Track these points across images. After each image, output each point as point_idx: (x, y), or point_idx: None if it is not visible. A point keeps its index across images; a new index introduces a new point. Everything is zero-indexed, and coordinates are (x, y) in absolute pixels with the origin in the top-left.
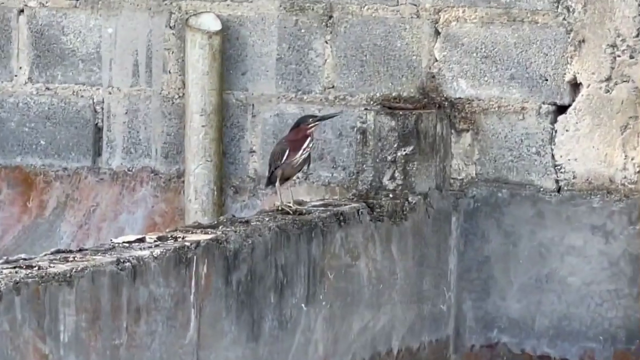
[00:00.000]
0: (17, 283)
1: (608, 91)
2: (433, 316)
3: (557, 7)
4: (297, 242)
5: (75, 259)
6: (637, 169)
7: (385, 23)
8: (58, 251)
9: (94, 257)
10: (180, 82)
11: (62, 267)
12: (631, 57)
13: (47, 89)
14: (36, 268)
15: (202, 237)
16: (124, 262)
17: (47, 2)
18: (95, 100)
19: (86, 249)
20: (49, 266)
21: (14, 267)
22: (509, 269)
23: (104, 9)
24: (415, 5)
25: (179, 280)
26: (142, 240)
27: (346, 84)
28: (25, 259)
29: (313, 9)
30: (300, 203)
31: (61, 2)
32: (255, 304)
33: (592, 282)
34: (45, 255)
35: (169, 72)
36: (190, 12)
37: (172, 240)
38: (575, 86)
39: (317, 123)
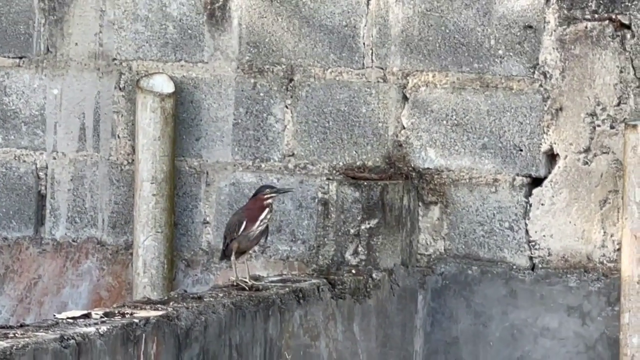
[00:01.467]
0: None
1: (587, 163)
2: None
3: (534, 72)
4: (253, 320)
5: (16, 335)
6: (617, 247)
7: (349, 87)
8: None
9: (36, 333)
10: (129, 148)
11: (1, 344)
12: (612, 127)
13: None
14: None
15: (151, 313)
16: (68, 339)
17: None
18: (38, 166)
19: (27, 325)
20: None
21: None
22: (478, 352)
23: (49, 68)
24: (382, 68)
25: (126, 359)
26: (87, 316)
27: (307, 151)
28: None
29: (273, 72)
30: (256, 278)
31: (3, 61)
32: None
33: None
34: None
35: (118, 136)
36: (141, 72)
37: (120, 317)
38: (551, 157)
39: (273, 195)
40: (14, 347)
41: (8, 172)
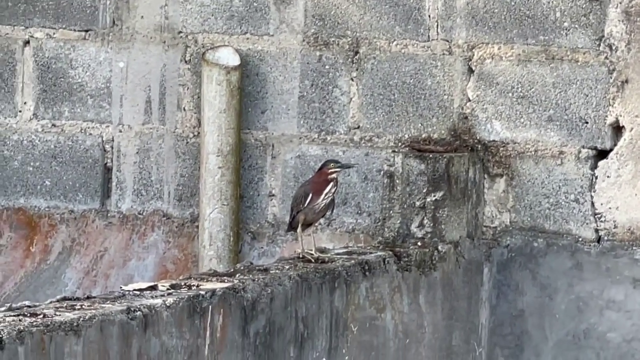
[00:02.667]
0: (21, 332)
1: None
2: None
3: (599, 45)
4: (319, 292)
5: (83, 307)
6: None
7: (415, 60)
8: (64, 298)
9: (103, 305)
10: (195, 120)
11: (68, 316)
12: None
13: (54, 125)
14: (41, 316)
15: (217, 285)
16: (134, 311)
17: (54, 34)
18: (104, 139)
19: (94, 297)
20: (55, 314)
21: (18, 315)
22: (544, 324)
23: (115, 41)
24: (447, 41)
25: (192, 331)
26: (154, 288)
27: (373, 124)
28: (29, 307)
29: (338, 44)
30: (322, 250)
31: (70, 34)
32: (274, 358)
33: (633, 338)
34: (50, 302)
35: (184, 109)
36: (207, 45)
37: (186, 289)
38: (617, 129)
39: (337, 170)
40: (81, 319)
41: (74, 145)
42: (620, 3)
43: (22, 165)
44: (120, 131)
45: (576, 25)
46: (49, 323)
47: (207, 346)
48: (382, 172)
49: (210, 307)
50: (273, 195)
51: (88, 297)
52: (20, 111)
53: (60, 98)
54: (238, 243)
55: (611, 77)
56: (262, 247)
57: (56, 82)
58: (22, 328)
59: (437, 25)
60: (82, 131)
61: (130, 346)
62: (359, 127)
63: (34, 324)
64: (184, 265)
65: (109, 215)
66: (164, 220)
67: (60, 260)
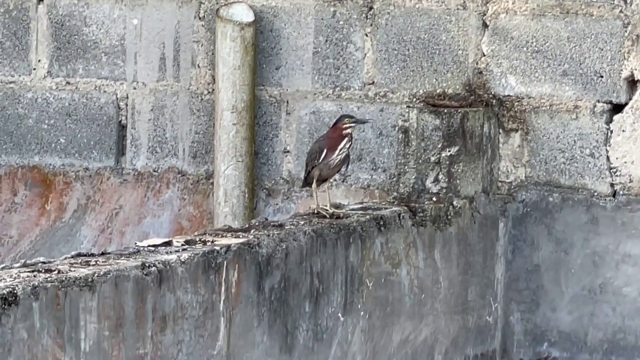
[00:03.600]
0: (36, 288)
1: None
2: (478, 328)
3: None
4: (334, 247)
5: (98, 263)
6: None
7: (429, 15)
8: (79, 255)
9: (118, 261)
10: (209, 77)
11: (83, 272)
12: None
13: (68, 83)
14: (56, 272)
15: (232, 241)
16: (149, 266)
17: None
18: (118, 96)
19: (109, 253)
20: (70, 270)
21: (32, 271)
22: (560, 279)
23: None
24: None
25: (207, 287)
26: (168, 243)
27: (387, 79)
28: (44, 263)
29: (352, 0)
30: (337, 206)
31: None
32: (289, 313)
33: None
34: (65, 258)
35: (198, 66)
36: (221, 2)
37: (201, 245)
38: (632, 83)
39: (352, 125)
40: (96, 274)
41: (89, 103)
42: None
43: (37, 123)
44: (135, 88)
45: None
46: (64, 279)
47: (222, 302)
48: (396, 128)
49: (225, 262)
50: (288, 151)
51: (102, 253)
52: (34, 69)
53: (74, 55)
54: (253, 200)
55: (626, 31)
56: (277, 204)
57: (70, 39)
58: (36, 284)
59: None
60: (97, 89)
61: (145, 301)
62: (373, 82)
63: (49, 279)
64: (199, 222)
65: (123, 172)
66: (179, 178)
67: (76, 218)
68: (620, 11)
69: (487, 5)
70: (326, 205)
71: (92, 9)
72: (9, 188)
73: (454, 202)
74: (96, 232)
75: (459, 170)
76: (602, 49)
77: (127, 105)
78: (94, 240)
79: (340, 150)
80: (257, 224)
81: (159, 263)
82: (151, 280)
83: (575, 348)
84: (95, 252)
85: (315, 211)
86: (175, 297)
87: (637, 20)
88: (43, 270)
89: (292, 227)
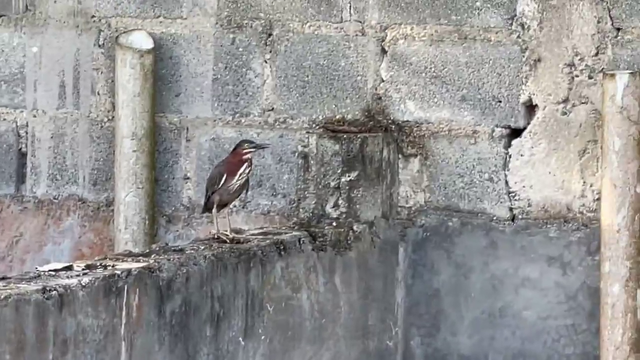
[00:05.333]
0: None
1: (565, 113)
2: (379, 352)
3: (512, 24)
4: (235, 271)
5: None
6: (596, 196)
7: (328, 41)
8: None
9: (18, 285)
10: (109, 104)
11: None
12: (590, 77)
13: None
14: None
15: (133, 265)
16: (50, 290)
17: None
18: (18, 124)
19: (9, 277)
20: None
21: None
22: (459, 303)
23: (28, 26)
24: (360, 22)
25: (108, 311)
26: (69, 268)
27: (287, 105)
28: None
29: (251, 26)
30: (237, 231)
31: None
32: (190, 337)
33: (548, 316)
34: None
35: (98, 93)
36: (120, 29)
37: (102, 269)
38: (530, 108)
39: (252, 150)
40: None
41: None
42: None
43: None
44: (35, 116)
45: (488, 5)
46: None
47: (123, 325)
48: (296, 154)
49: (126, 286)
50: (188, 178)
51: (3, 278)
52: None
53: None
54: (153, 226)
55: (524, 56)
56: (177, 230)
57: None
58: None
59: (350, 6)
60: None
61: (46, 325)
62: (273, 109)
63: None
64: (100, 249)
65: (24, 200)
66: (80, 205)
67: None
68: (518, 36)
69: (386, 31)
70: (226, 231)
71: None
72: None
73: (354, 227)
74: None
75: (359, 195)
76: (501, 74)
77: (27, 133)
78: None
79: (240, 175)
80: (157, 248)
81: (59, 287)
82: (52, 304)
83: None
84: None
85: (216, 236)
86: (76, 321)
87: (535, 46)
88: None
89: (192, 251)
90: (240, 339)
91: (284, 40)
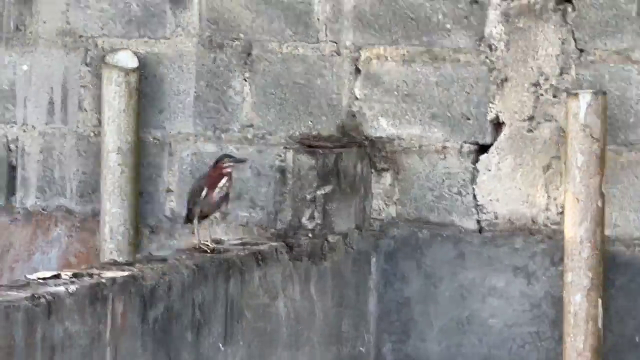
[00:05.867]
0: None
1: (531, 130)
2: (352, 358)
3: (480, 45)
4: (215, 280)
5: None
6: (560, 210)
7: (305, 61)
8: None
9: (8, 292)
10: (96, 120)
11: None
12: (554, 96)
13: None
14: None
15: (118, 273)
16: (39, 297)
17: None
18: (9, 139)
19: (0, 285)
20: None
21: None
22: (429, 311)
23: (19, 45)
24: (335, 43)
25: (94, 318)
26: (57, 276)
27: (265, 122)
28: None
29: (232, 47)
30: (218, 241)
31: None
32: (172, 343)
33: (513, 324)
34: None
35: (85, 109)
36: (106, 49)
37: (88, 277)
38: (497, 125)
39: (231, 164)
40: None
41: None
42: (500, 5)
43: None
44: (25, 131)
45: (458, 27)
46: None
47: (108, 332)
48: (274, 168)
49: (111, 294)
50: (171, 190)
51: None
52: None
53: None
54: (137, 237)
55: (491, 76)
56: (160, 241)
57: None
58: None
59: (326, 28)
60: None
61: (35, 332)
62: (252, 125)
63: None
64: (86, 258)
65: (14, 211)
66: (67, 216)
67: None
68: (486, 57)
69: (360, 51)
70: (207, 241)
71: None
72: None
73: (329, 238)
74: None
75: (334, 208)
76: (469, 93)
77: (17, 147)
78: None
79: (221, 188)
80: (141, 258)
81: (48, 295)
82: (41, 311)
83: None
84: None
85: (197, 246)
86: (63, 327)
87: (502, 66)
88: None
89: (175, 261)
90: (220, 344)
91: (262, 59)
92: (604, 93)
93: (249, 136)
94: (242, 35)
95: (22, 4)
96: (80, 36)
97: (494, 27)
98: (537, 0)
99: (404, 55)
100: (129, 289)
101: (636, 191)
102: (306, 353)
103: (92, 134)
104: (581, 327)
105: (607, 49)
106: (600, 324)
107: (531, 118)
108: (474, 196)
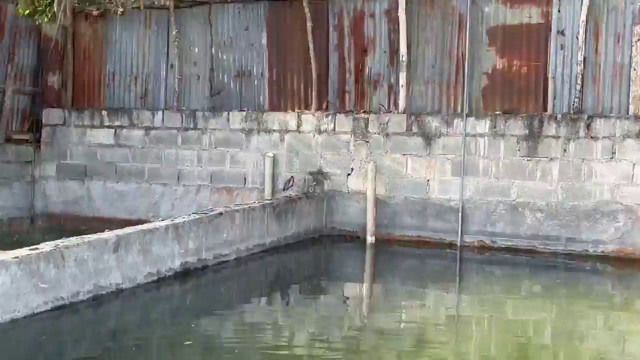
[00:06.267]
0: None
1: None
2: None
3: None
4: (293, 202)
5: None
6: None
7: None
8: None
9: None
10: None
11: None
12: None
13: None
14: None
15: (267, 202)
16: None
17: None
18: None
19: None
20: None
21: None
22: None
23: None
24: None
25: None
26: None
27: None
28: None
29: None
30: (288, 196)
31: None
32: (281, 218)
33: None
34: None
35: None
36: None
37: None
38: None
39: (292, 181)
40: None
41: None
42: None
43: None
44: None
45: None
46: None
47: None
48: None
49: (267, 207)
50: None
51: None
52: None
53: None
54: (275, 189)
55: None
56: (280, 192)
57: None
58: None
59: None
60: None
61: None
62: None
63: None
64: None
65: None
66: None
67: None
68: None
69: None
70: (288, 195)
71: None
72: None
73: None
74: None
75: None
76: None
77: None
78: None
79: (290, 180)
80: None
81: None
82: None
83: None
84: None
85: (287, 195)
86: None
87: None
88: None
89: (283, 197)
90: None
91: None
92: None
93: None
94: None
95: None
96: None
97: None
98: None
99: None
100: (272, 204)
101: None
102: None
103: None
104: None
105: None
106: None
107: None
108: None
